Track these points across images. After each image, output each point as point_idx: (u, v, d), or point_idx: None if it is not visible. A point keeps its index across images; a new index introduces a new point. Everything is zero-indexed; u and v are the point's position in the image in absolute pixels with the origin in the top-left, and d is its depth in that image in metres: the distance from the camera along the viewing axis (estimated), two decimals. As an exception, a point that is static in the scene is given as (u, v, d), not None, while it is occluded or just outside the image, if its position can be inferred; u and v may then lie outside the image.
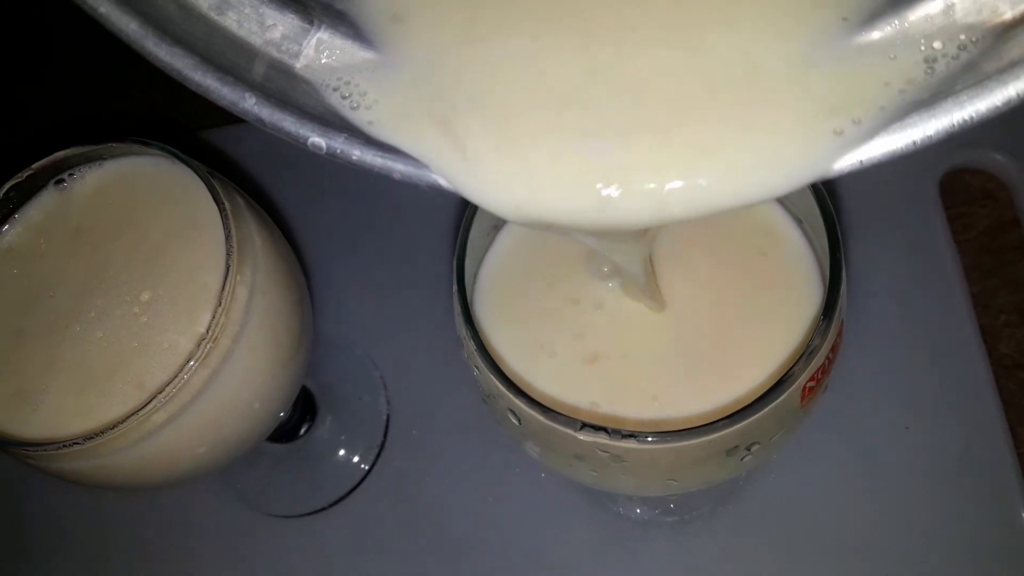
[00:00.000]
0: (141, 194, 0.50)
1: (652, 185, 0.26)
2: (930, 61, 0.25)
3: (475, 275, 0.46)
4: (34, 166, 0.49)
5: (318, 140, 0.27)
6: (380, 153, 0.28)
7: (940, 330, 0.62)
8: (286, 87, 0.28)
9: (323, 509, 0.65)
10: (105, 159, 0.51)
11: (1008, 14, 0.24)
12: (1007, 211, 0.66)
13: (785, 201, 0.43)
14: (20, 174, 0.49)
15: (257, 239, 0.47)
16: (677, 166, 0.25)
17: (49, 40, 0.89)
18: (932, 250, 0.65)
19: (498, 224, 0.46)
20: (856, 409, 0.61)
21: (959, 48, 0.25)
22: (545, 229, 0.28)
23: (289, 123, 0.27)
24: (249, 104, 0.27)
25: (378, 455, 0.66)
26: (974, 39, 0.25)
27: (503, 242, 0.46)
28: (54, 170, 0.50)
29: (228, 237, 0.45)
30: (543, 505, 0.62)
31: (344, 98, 0.28)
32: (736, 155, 0.25)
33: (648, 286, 0.40)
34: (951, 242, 0.65)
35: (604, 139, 0.26)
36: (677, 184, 0.25)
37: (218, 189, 0.46)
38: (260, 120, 0.27)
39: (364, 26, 0.29)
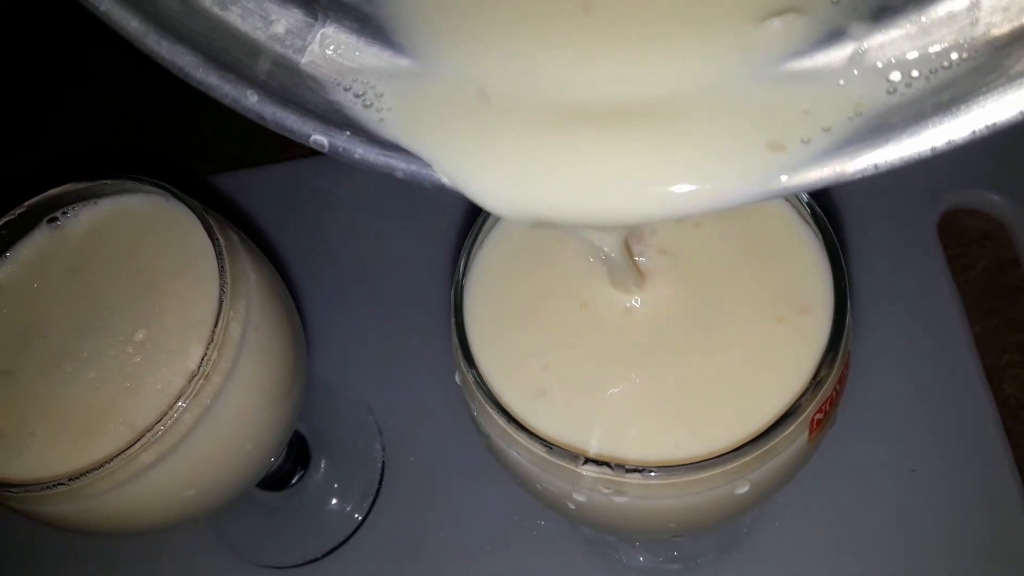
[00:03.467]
0: (136, 232, 0.50)
1: (633, 187, 0.27)
2: (896, 81, 0.25)
3: (471, 313, 0.45)
4: (27, 203, 0.49)
5: (320, 138, 0.27)
6: (383, 152, 0.27)
7: (944, 371, 0.62)
8: (290, 83, 0.28)
9: (316, 560, 0.63)
10: (99, 197, 0.50)
11: None
12: (1006, 251, 0.66)
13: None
14: (12, 211, 0.49)
15: (252, 275, 0.47)
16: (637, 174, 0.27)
17: (56, 76, 0.90)
18: (933, 291, 0.64)
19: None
20: (861, 453, 0.60)
21: (943, 67, 0.25)
22: (540, 226, 0.29)
23: (292, 121, 0.27)
24: (251, 102, 0.27)
25: (373, 503, 0.64)
26: (964, 56, 0.24)
27: (500, 280, 0.45)
28: (47, 208, 0.50)
29: (222, 272, 0.44)
30: (543, 553, 0.60)
31: (357, 96, 0.28)
32: (699, 163, 0.27)
33: (627, 268, 0.40)
34: (951, 283, 0.64)
35: (592, 146, 0.27)
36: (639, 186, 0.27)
37: (212, 225, 0.46)
38: (262, 117, 0.27)
39: (375, 22, 0.29)
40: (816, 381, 0.37)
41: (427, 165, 0.27)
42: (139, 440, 0.42)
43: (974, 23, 0.24)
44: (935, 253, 0.66)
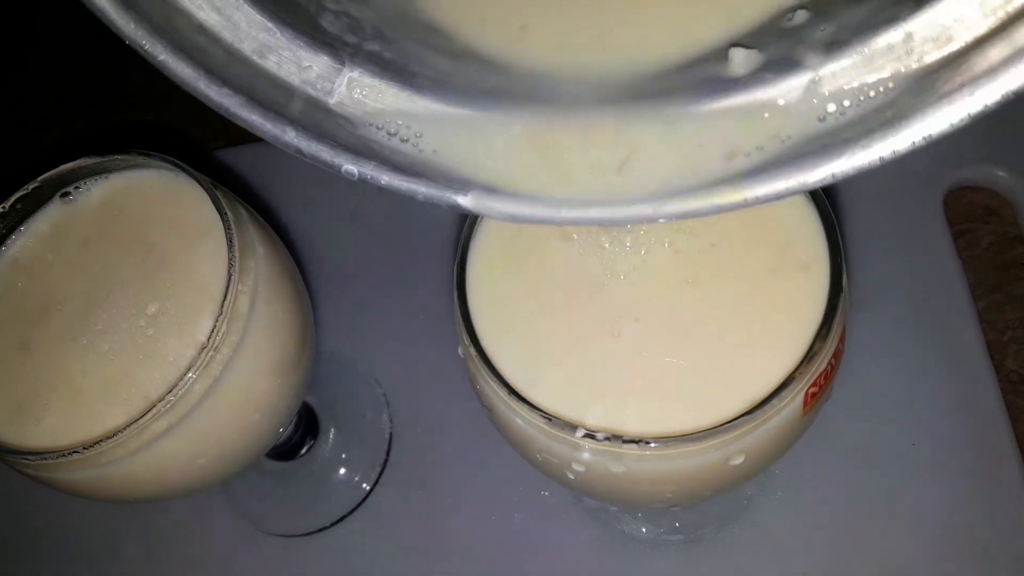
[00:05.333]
0: (147, 206, 0.51)
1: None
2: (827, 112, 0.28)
3: (473, 287, 0.45)
4: (40, 178, 0.50)
5: (351, 167, 0.30)
6: (406, 178, 0.31)
7: (947, 346, 0.62)
8: (322, 120, 0.31)
9: (325, 528, 0.64)
10: (110, 172, 0.51)
11: (967, 37, 0.26)
12: (1011, 227, 0.66)
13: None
14: (26, 186, 0.50)
15: (260, 248, 0.47)
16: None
17: (60, 54, 0.91)
18: (937, 267, 0.65)
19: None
20: (863, 426, 0.60)
21: (867, 98, 0.27)
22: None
23: (326, 153, 0.30)
24: (290, 137, 0.30)
25: (380, 473, 0.65)
26: (896, 84, 0.27)
27: (502, 254, 0.46)
28: (60, 183, 0.51)
29: (230, 246, 0.45)
30: (547, 524, 0.62)
31: (390, 134, 0.31)
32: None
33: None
34: (956, 258, 0.65)
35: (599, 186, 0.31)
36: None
37: (221, 199, 0.47)
38: (299, 151, 0.30)
39: (397, 66, 0.32)
40: (810, 355, 0.37)
41: (446, 188, 0.31)
42: (151, 410, 0.43)
43: (909, 52, 0.27)
44: (940, 229, 0.66)
